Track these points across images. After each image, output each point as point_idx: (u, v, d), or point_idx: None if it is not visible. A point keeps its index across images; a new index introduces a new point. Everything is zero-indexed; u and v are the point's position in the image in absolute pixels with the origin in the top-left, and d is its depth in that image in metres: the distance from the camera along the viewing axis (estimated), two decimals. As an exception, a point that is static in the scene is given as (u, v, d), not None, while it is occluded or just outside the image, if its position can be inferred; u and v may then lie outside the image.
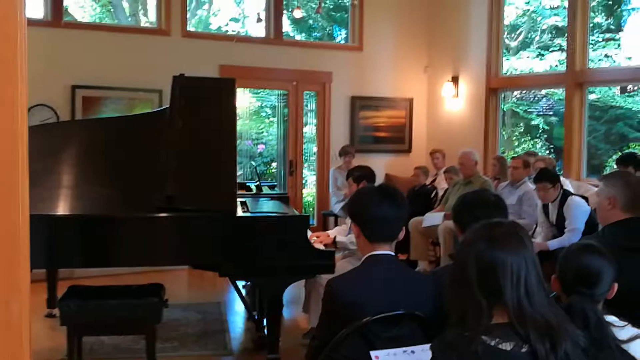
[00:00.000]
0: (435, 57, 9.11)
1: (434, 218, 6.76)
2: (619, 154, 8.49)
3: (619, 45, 10.39)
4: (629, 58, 9.78)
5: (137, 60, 7.30)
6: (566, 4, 7.78)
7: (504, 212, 2.62)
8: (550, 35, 11.27)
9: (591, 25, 7.59)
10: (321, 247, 4.43)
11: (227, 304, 6.11)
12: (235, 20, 10.28)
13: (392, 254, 2.52)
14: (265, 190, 5.82)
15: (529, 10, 11.18)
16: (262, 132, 10.61)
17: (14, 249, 0.91)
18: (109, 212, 4.06)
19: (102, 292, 4.07)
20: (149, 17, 9.44)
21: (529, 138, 11.73)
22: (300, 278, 4.53)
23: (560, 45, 10.20)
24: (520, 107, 11.51)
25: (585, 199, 5.65)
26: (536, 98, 11.61)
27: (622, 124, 10.83)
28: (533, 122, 11.55)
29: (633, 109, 10.71)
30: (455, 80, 8.76)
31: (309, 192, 9.32)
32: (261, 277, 4.18)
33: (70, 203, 4.12)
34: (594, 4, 8.15)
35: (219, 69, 7.71)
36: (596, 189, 3.79)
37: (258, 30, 8.58)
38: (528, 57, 11.04)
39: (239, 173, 4.81)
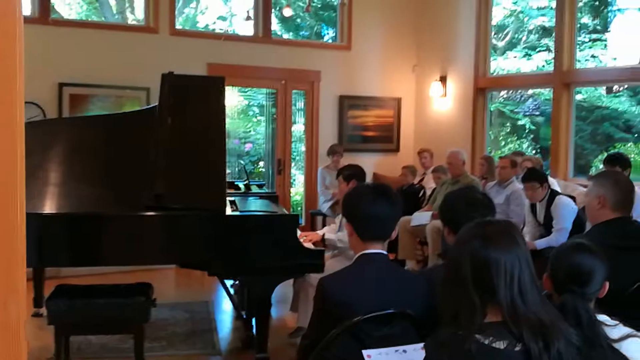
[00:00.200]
0: (423, 56, 9.13)
1: (421, 217, 6.79)
2: (605, 154, 8.55)
3: (605, 45, 10.48)
4: (615, 59, 9.87)
5: (125, 58, 7.24)
6: (553, 4, 7.84)
7: (492, 211, 2.63)
8: (537, 36, 11.32)
9: (578, 25, 7.64)
10: (310, 246, 4.43)
11: (215, 303, 6.10)
12: (223, 18, 10.24)
13: (385, 252, 2.51)
14: (254, 189, 5.82)
15: (516, 10, 11.22)
16: (250, 131, 10.58)
17: (12, 249, 0.90)
18: (97, 210, 4.04)
19: (90, 291, 4.05)
20: (136, 15, 9.38)
21: (516, 138, 11.77)
22: (290, 277, 4.53)
23: (547, 46, 10.25)
24: (507, 107, 11.55)
25: (573, 198, 5.69)
26: (523, 98, 11.66)
27: (608, 124, 10.90)
28: (520, 122, 11.59)
29: (619, 109, 10.79)
30: (443, 80, 8.79)
31: (297, 191, 9.31)
32: (250, 276, 4.18)
33: (57, 201, 4.09)
34: (580, 4, 8.20)
35: (207, 68, 7.67)
36: (584, 188, 3.82)
37: (246, 29, 8.55)
38: (515, 57, 11.07)
39: (227, 172, 4.79)
